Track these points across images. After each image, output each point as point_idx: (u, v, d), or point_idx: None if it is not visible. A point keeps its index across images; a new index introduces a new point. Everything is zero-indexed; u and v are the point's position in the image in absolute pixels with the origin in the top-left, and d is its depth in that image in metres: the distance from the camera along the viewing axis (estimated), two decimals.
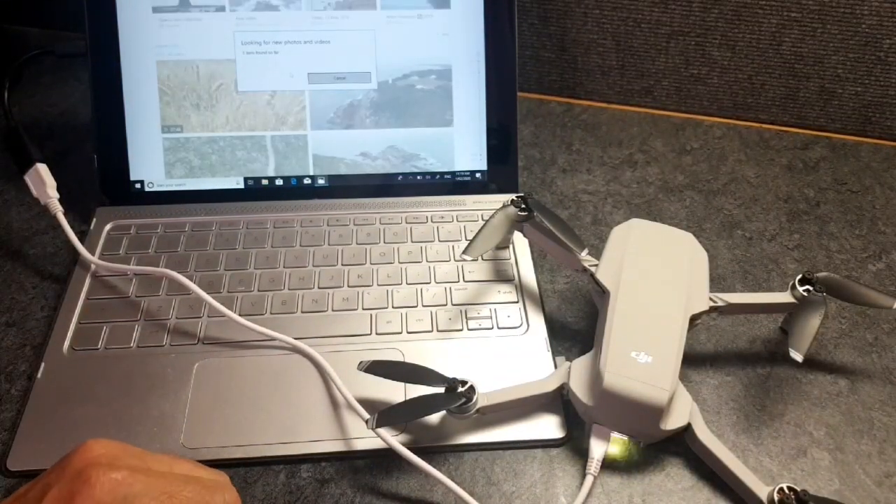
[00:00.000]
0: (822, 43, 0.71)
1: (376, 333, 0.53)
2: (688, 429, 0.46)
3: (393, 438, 0.45)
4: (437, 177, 0.64)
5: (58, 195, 0.59)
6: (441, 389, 0.46)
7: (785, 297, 0.52)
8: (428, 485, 0.46)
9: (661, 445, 0.47)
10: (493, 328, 0.54)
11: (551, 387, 0.48)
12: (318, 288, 0.56)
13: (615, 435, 0.46)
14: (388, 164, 0.63)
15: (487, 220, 0.54)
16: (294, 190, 0.63)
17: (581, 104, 0.79)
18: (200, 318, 0.54)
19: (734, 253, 0.62)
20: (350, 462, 0.47)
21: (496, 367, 0.51)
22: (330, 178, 0.63)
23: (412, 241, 0.60)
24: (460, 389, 0.46)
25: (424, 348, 0.53)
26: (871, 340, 0.55)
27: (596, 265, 0.51)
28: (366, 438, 0.47)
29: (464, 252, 0.52)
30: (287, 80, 0.62)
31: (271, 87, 0.62)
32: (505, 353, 0.52)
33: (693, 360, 0.53)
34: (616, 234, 0.52)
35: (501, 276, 0.58)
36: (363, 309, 0.55)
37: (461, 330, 0.54)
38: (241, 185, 0.63)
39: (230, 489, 0.39)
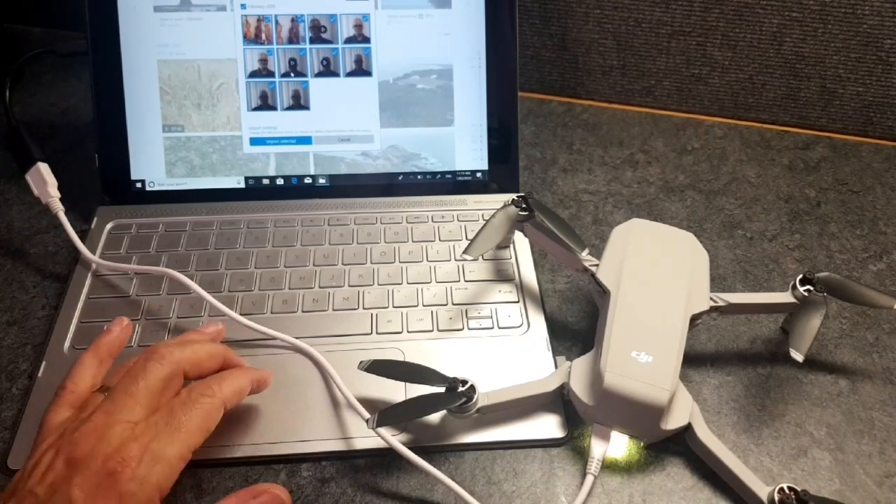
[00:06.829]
0: (823, 43, 0.71)
1: (377, 333, 0.53)
2: (688, 428, 0.46)
3: (393, 438, 0.45)
4: (438, 176, 0.64)
5: (59, 194, 0.59)
6: (441, 389, 0.46)
7: (786, 297, 0.52)
8: (428, 484, 0.46)
9: (661, 445, 0.47)
10: (493, 328, 0.54)
11: (552, 386, 0.48)
12: (319, 287, 0.56)
13: (616, 437, 0.46)
14: (388, 163, 0.63)
15: (488, 220, 0.54)
16: (295, 189, 0.63)
17: (582, 104, 0.79)
18: (201, 317, 0.54)
19: (735, 253, 0.62)
20: (350, 461, 0.47)
21: (496, 367, 0.51)
22: (331, 177, 0.63)
23: (413, 241, 0.60)
24: (460, 389, 0.46)
25: (425, 348, 0.53)
26: (872, 340, 0.55)
27: (596, 265, 0.51)
28: (366, 438, 0.47)
29: (464, 252, 0.52)
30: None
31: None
32: (505, 353, 0.52)
33: (694, 360, 0.53)
34: (617, 234, 0.52)
35: (502, 275, 0.58)
36: (364, 308, 0.55)
37: (462, 329, 0.54)
38: (242, 185, 0.63)
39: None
